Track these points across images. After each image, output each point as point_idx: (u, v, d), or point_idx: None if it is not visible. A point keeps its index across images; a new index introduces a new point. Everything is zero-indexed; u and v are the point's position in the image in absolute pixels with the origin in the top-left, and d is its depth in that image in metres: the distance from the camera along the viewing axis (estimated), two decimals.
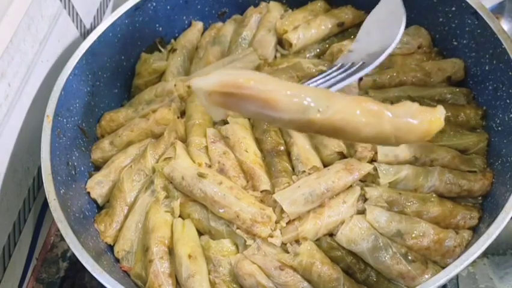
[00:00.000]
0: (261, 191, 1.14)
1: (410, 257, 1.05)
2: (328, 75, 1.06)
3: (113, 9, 1.52)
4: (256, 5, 1.53)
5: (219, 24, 1.55)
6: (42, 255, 1.34)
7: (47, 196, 1.10)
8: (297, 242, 1.09)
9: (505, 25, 1.43)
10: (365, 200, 1.12)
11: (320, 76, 1.06)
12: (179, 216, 1.18)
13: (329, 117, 0.74)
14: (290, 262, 1.06)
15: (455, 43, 1.32)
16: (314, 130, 0.77)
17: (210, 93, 0.73)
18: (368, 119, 0.76)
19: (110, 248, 1.19)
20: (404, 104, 0.79)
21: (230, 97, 0.73)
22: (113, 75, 1.41)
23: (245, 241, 1.10)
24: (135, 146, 1.31)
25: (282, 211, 1.10)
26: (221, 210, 1.11)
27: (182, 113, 1.35)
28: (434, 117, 0.79)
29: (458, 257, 0.96)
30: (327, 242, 1.09)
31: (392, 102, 1.20)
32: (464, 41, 1.29)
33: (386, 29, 0.99)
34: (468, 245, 1.05)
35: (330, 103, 0.74)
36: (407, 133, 0.78)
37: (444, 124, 1.18)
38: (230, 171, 1.17)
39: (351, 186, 1.14)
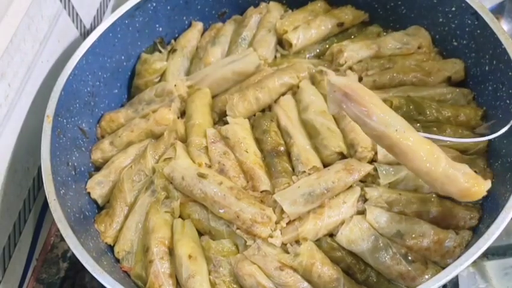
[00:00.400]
0: (261, 191, 1.14)
1: (410, 258, 1.04)
2: None
3: (113, 9, 1.52)
4: (256, 6, 1.53)
5: (219, 24, 1.55)
6: (43, 255, 1.34)
7: (47, 196, 1.10)
8: (297, 242, 1.09)
9: (504, 25, 1.43)
10: (365, 200, 1.12)
11: None
12: (180, 216, 1.18)
13: (400, 138, 0.94)
14: (290, 262, 1.06)
15: (455, 43, 1.32)
16: (386, 144, 0.97)
17: (336, 89, 0.97)
18: (428, 157, 0.94)
19: (111, 248, 1.19)
20: (463, 164, 0.96)
21: (346, 97, 0.96)
22: (113, 75, 1.41)
23: (245, 241, 1.10)
24: (135, 146, 1.31)
25: (282, 211, 1.10)
26: (221, 211, 1.11)
27: (183, 113, 1.35)
28: (478, 184, 0.94)
29: (458, 257, 0.95)
30: (327, 242, 1.09)
31: (392, 103, 1.22)
32: (464, 42, 1.29)
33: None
34: (468, 245, 1.05)
35: (407, 130, 0.95)
36: (451, 183, 0.94)
37: (445, 124, 1.21)
38: (230, 172, 1.17)
39: (351, 186, 1.14)
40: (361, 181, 1.15)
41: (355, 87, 0.97)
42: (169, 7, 1.46)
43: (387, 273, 1.06)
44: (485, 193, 0.95)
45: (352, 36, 1.46)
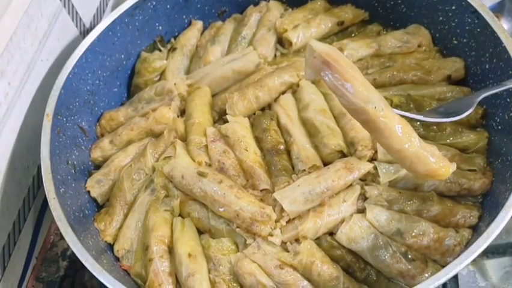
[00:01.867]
0: (261, 190, 1.14)
1: (409, 256, 1.04)
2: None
3: (113, 8, 1.52)
4: (256, 4, 1.53)
5: (219, 23, 1.55)
6: (42, 254, 1.34)
7: (46, 195, 1.10)
8: (297, 240, 1.09)
9: (505, 24, 1.43)
10: (365, 198, 1.12)
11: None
12: (179, 215, 1.18)
13: (378, 115, 0.94)
14: (290, 261, 1.06)
15: (455, 42, 1.32)
16: (362, 119, 0.96)
17: (316, 55, 0.94)
18: (403, 136, 0.95)
19: (110, 246, 1.19)
20: (433, 145, 0.98)
21: (325, 65, 0.93)
22: (113, 74, 1.41)
23: (245, 240, 1.10)
24: (135, 144, 1.31)
25: (282, 210, 1.10)
26: (221, 209, 1.11)
27: (182, 112, 1.35)
28: (445, 166, 0.96)
29: (458, 255, 0.96)
30: (327, 240, 1.09)
31: (392, 101, 1.21)
32: (464, 40, 1.29)
33: (455, 107, 1.14)
34: (468, 243, 1.05)
35: (385, 108, 0.95)
36: (420, 163, 0.96)
37: (444, 123, 1.21)
38: (230, 170, 1.17)
39: (351, 185, 1.13)
40: (361, 179, 1.15)
41: (337, 57, 0.94)
42: (168, 6, 1.46)
43: (387, 272, 1.06)
44: (449, 175, 0.97)
45: (352, 35, 1.46)
